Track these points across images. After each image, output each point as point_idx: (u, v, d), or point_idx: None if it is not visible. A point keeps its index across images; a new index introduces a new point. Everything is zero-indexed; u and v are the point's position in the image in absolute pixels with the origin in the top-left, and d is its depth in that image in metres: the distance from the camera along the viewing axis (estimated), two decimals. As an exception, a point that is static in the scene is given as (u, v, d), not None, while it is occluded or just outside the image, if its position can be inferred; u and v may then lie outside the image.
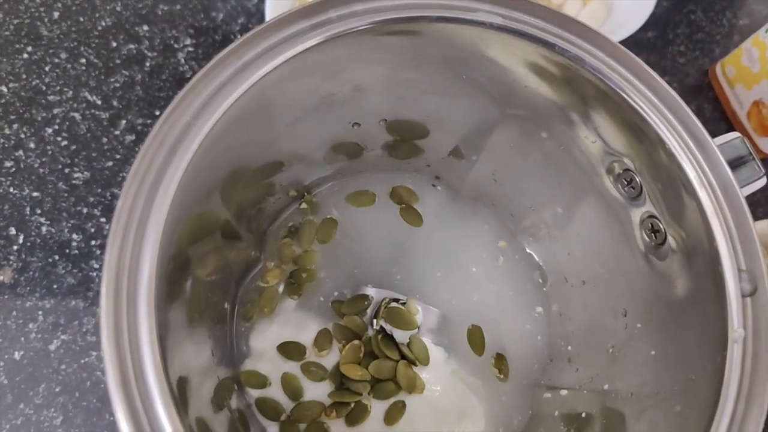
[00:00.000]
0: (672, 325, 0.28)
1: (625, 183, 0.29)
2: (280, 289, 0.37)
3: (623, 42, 0.27)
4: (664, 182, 0.27)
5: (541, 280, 0.38)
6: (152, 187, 0.23)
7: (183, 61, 0.47)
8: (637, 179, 0.28)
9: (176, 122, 0.24)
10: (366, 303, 0.36)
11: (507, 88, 0.30)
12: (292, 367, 0.35)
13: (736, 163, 0.28)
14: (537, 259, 0.39)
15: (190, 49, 0.47)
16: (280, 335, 0.35)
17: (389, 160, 0.38)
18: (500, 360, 0.37)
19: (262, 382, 0.34)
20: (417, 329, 0.36)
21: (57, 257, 0.42)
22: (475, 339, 0.37)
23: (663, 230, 0.28)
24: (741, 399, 0.24)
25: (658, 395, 0.27)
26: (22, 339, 0.40)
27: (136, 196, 0.23)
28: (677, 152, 0.26)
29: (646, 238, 0.29)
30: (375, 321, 0.36)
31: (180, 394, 0.24)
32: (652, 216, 0.28)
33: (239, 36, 0.47)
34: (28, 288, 0.41)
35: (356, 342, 0.35)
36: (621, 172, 0.29)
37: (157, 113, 0.45)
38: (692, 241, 0.26)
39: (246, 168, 0.30)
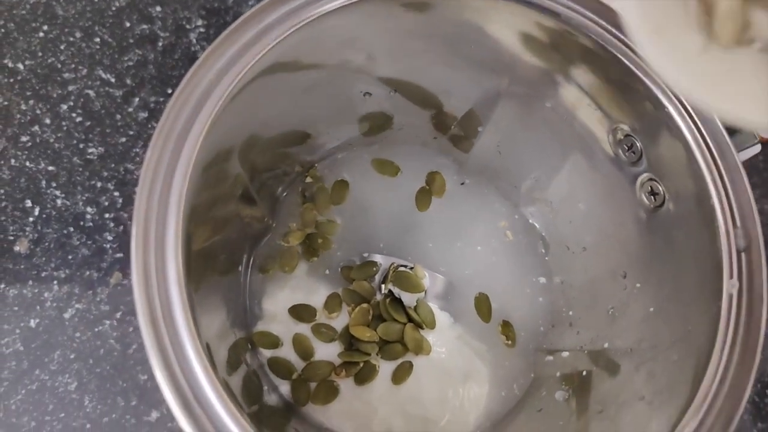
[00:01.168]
0: (670, 282, 0.29)
1: (626, 148, 0.30)
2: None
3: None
4: (663, 145, 0.28)
5: (543, 250, 0.40)
6: (177, 142, 0.24)
7: (195, 41, 0.48)
8: (638, 144, 0.30)
9: (201, 80, 0.25)
10: (374, 269, 0.37)
11: (512, 60, 0.31)
12: (303, 329, 0.36)
13: (732, 129, 0.29)
14: (539, 228, 0.40)
15: (202, 29, 0.48)
16: (292, 298, 0.37)
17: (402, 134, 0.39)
18: (507, 327, 0.38)
19: (274, 342, 0.36)
20: (424, 293, 0.37)
21: (72, 229, 0.43)
22: (482, 307, 0.38)
23: (662, 192, 0.29)
24: (736, 346, 0.25)
25: (656, 348, 0.29)
26: (38, 307, 0.41)
27: (162, 149, 0.24)
28: (675, 115, 0.27)
29: (646, 201, 0.30)
30: (383, 286, 0.37)
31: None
32: (651, 179, 0.30)
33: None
34: (44, 258, 0.42)
35: (365, 305, 0.36)
36: (622, 137, 0.30)
37: (170, 91, 0.46)
38: (689, 200, 0.28)
39: (263, 131, 0.32)
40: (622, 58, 0.27)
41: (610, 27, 0.28)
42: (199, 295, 0.29)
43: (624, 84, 0.28)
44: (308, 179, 0.40)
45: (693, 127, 0.27)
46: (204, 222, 0.29)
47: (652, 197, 0.30)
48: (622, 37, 0.28)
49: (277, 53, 0.27)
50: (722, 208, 0.26)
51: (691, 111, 0.27)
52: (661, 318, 0.29)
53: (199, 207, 0.27)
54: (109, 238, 0.43)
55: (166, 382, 0.22)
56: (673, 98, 0.27)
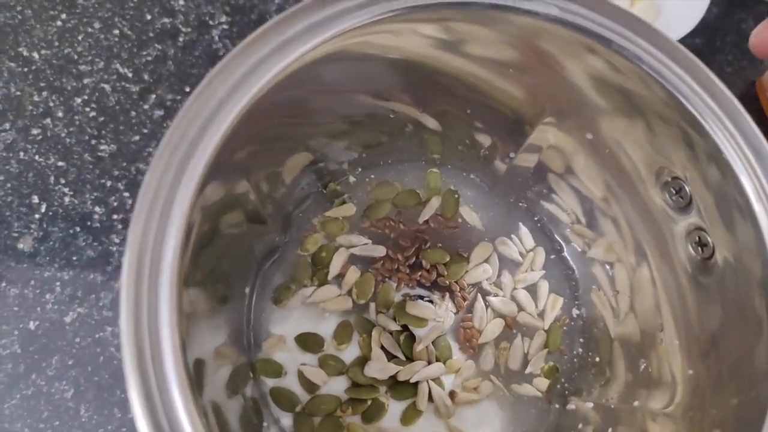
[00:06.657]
0: (713, 345, 0.26)
1: (674, 192, 0.28)
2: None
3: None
4: (717, 193, 0.26)
5: (574, 288, 0.37)
6: (182, 162, 0.22)
7: (217, 38, 0.46)
8: (687, 189, 0.27)
9: (211, 96, 0.23)
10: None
11: (554, 84, 0.29)
12: (310, 359, 0.34)
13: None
14: (572, 265, 0.37)
15: (225, 26, 0.46)
16: (299, 325, 0.34)
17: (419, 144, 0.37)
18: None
19: (277, 371, 0.33)
20: (443, 329, 0.35)
21: (78, 229, 0.41)
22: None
23: (711, 244, 0.26)
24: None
25: (691, 418, 0.26)
26: (39, 309, 0.40)
27: (164, 170, 0.22)
28: (734, 162, 0.24)
29: (692, 252, 0.27)
30: (396, 318, 0.35)
31: (196, 376, 0.23)
32: (699, 228, 0.27)
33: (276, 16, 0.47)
34: (48, 258, 0.41)
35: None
36: (669, 180, 0.27)
37: (188, 90, 0.44)
38: (743, 257, 0.25)
39: (276, 148, 0.29)
40: (678, 95, 0.25)
41: (666, 59, 0.25)
42: (201, 319, 0.27)
43: (679, 124, 0.25)
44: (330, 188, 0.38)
45: (753, 176, 0.24)
46: (209, 241, 0.27)
47: (699, 248, 0.27)
48: (681, 72, 0.25)
49: (297, 69, 0.24)
50: (783, 271, 0.24)
51: (751, 158, 0.24)
52: (700, 384, 0.26)
53: (205, 226, 0.25)
54: (116, 240, 0.41)
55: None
56: (733, 143, 0.24)
